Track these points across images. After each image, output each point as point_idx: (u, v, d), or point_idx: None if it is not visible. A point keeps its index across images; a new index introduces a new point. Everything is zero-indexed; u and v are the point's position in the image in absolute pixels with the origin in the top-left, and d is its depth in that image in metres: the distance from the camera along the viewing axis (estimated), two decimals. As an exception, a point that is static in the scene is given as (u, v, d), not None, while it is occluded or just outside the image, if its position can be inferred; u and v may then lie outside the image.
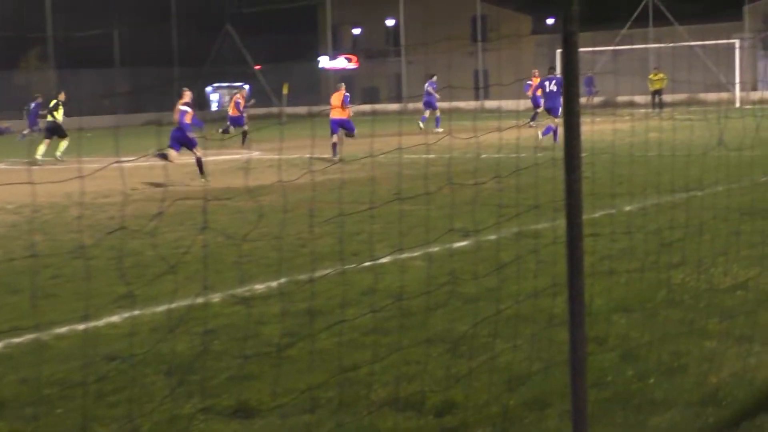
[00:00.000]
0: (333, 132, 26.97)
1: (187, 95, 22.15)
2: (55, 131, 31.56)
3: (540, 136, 27.68)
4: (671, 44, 59.65)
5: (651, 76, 54.79)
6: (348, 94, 28.52)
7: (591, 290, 7.15)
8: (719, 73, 62.57)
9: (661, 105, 52.64)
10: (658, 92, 53.64)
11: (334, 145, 26.68)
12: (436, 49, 70.46)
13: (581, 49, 4.84)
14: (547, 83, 29.60)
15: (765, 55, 70.73)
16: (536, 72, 41.87)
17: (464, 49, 73.41)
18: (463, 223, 12.11)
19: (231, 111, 35.30)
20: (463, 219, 12.41)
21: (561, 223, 4.69)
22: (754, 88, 64.30)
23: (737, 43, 57.89)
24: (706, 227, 10.58)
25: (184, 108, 21.80)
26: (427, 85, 40.40)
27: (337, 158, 25.47)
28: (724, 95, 56.46)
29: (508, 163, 19.59)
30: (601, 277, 8.76)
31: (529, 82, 41.14)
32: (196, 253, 11.33)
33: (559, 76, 29.46)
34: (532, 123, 37.69)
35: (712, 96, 57.74)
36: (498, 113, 44.48)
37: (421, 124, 37.92)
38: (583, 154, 4.68)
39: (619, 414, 5.65)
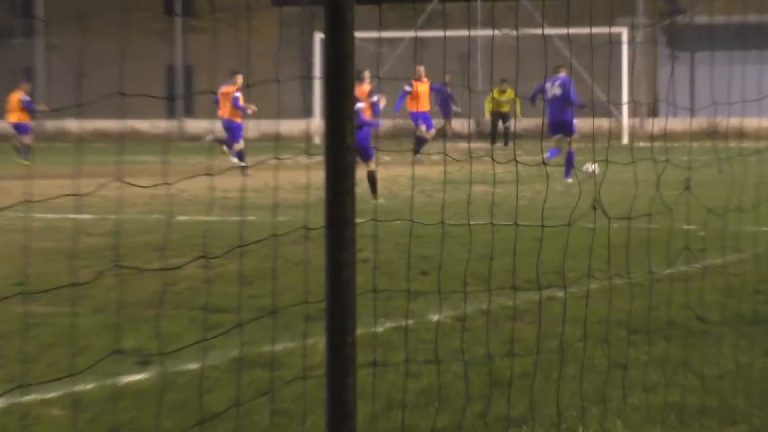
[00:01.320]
0: None
1: (368, 81, 30.77)
2: None
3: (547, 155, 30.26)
4: (507, 30, 61.30)
5: (495, 94, 55.95)
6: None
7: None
8: (594, 85, 64.72)
9: (506, 137, 54.25)
10: (502, 117, 55.21)
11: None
12: (100, 28, 70.58)
13: (359, 35, 4.80)
14: (548, 86, 31.23)
15: (671, 56, 73.24)
16: (421, 70, 42.84)
17: (150, 27, 73.79)
18: (139, 340, 12.06)
19: (225, 112, 36.03)
20: (139, 332, 12.39)
21: (319, 342, 4.64)
22: (654, 114, 66.66)
23: (624, 34, 59.91)
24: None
25: (359, 105, 29.20)
26: None
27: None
28: (604, 123, 58.36)
29: (226, 233, 19.64)
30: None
31: (407, 88, 42.08)
32: None
33: (565, 75, 31.29)
34: (419, 156, 38.98)
35: (583, 123, 59.62)
36: (211, 143, 44.53)
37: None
38: (360, 220, 4.66)
39: None
